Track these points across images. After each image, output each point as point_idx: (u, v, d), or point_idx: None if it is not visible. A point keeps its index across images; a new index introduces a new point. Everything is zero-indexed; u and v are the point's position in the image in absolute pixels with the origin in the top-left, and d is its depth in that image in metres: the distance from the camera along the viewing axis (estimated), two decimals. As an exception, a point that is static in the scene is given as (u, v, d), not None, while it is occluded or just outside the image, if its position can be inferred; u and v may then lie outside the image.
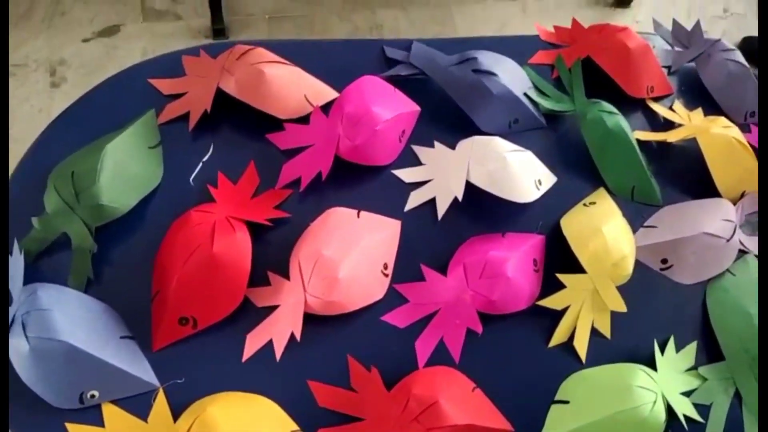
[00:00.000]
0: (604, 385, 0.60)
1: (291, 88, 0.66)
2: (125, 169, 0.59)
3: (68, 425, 0.51)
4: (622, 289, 0.65)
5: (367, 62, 0.75)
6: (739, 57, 0.80)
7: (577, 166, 0.74)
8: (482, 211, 0.69)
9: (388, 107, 0.65)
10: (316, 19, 1.34)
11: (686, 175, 0.76)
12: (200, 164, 0.64)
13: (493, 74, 0.70)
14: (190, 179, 0.63)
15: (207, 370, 0.56)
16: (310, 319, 0.57)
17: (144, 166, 0.61)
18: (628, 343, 0.65)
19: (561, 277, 0.63)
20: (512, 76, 0.72)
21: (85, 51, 1.25)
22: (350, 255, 0.58)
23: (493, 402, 0.60)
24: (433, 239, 0.66)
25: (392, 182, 0.68)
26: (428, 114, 0.73)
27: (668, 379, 0.62)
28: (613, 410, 0.57)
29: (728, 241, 0.67)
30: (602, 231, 0.63)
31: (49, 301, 0.50)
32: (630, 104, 0.79)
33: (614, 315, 0.65)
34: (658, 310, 0.68)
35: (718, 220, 0.68)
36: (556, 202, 0.71)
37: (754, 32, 1.69)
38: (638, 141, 0.75)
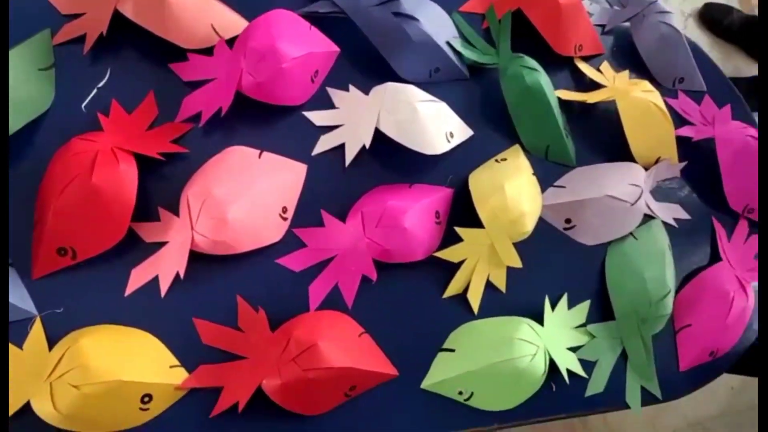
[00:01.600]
0: (489, 335, 0.61)
1: (196, 15, 0.62)
2: (12, 87, 0.55)
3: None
4: (524, 246, 0.66)
5: (288, -4, 0.71)
6: (673, 20, 0.79)
7: (496, 122, 0.73)
8: (393, 160, 0.68)
9: (299, 45, 0.62)
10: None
11: (605, 137, 0.76)
12: (95, 90, 0.61)
13: (415, 19, 0.67)
14: (82, 105, 0.60)
15: (89, 302, 0.55)
16: (202, 258, 0.56)
17: (32, 88, 0.58)
18: (522, 299, 0.67)
19: (459, 230, 0.63)
20: (436, 23, 0.70)
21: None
22: (243, 196, 0.56)
23: (383, 348, 0.61)
24: (340, 186, 0.65)
25: (303, 124, 0.66)
26: (348, 56, 0.70)
27: (554, 335, 0.64)
28: (494, 360, 0.59)
29: (632, 205, 0.68)
30: (504, 188, 0.63)
31: None
32: (559, 61, 0.78)
33: (512, 270, 0.66)
34: (557, 269, 0.70)
35: (625, 183, 0.69)
36: (470, 156, 0.70)
37: (718, -1, 1.67)
38: (560, 100, 0.75)
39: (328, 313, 0.59)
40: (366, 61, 0.70)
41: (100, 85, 0.61)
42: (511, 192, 0.63)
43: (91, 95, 0.61)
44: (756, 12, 1.70)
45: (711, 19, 1.59)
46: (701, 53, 0.86)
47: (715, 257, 0.75)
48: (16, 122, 0.56)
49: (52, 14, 0.63)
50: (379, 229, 0.59)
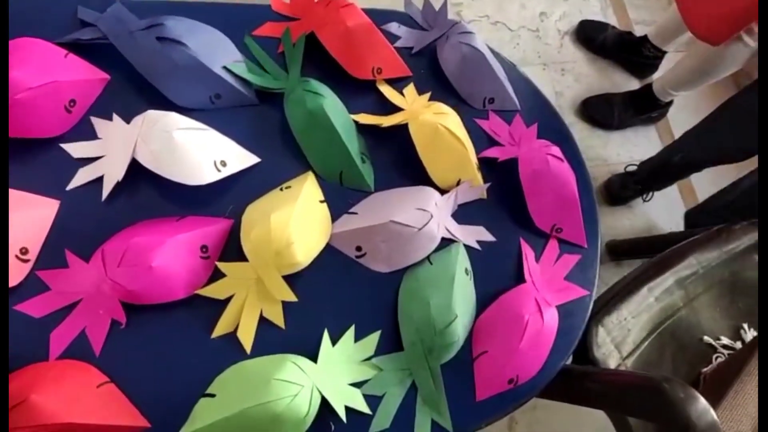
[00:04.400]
0: (249, 377, 0.57)
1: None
2: None
3: None
4: (313, 276, 0.64)
5: (57, 21, 0.67)
6: (476, 41, 0.78)
7: (290, 148, 0.71)
8: (165, 191, 0.64)
9: (44, 74, 0.59)
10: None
11: (406, 160, 0.74)
12: None
13: (181, 44, 0.64)
14: None
15: None
16: None
17: None
18: (305, 333, 0.63)
19: (220, 265, 0.59)
20: (210, 47, 0.67)
21: None
22: (-43, 239, 0.52)
23: (135, 396, 0.57)
24: (101, 222, 0.61)
25: (61, 157, 0.62)
26: (125, 83, 0.67)
27: (331, 371, 0.61)
28: (247, 404, 0.55)
29: (419, 230, 0.66)
30: (270, 217, 0.60)
31: None
32: (364, 85, 0.76)
33: (296, 304, 0.63)
34: (350, 299, 0.67)
35: (412, 209, 0.66)
36: (257, 184, 0.67)
37: (595, 16, 1.71)
38: (360, 124, 0.73)
39: (62, 363, 0.54)
40: (142, 89, 0.67)
41: None
42: (277, 221, 0.60)
43: None
44: (632, 28, 1.75)
45: (585, 36, 1.63)
46: (516, 72, 0.86)
47: (522, 279, 0.74)
48: None
49: None
50: (121, 269, 0.55)
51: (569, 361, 0.76)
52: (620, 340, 0.80)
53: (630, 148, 1.57)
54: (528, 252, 0.75)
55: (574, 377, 0.78)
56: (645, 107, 1.53)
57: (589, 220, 0.79)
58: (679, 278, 0.93)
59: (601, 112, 1.54)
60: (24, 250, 0.57)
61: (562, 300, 0.74)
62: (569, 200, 0.75)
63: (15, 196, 0.58)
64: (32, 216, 0.58)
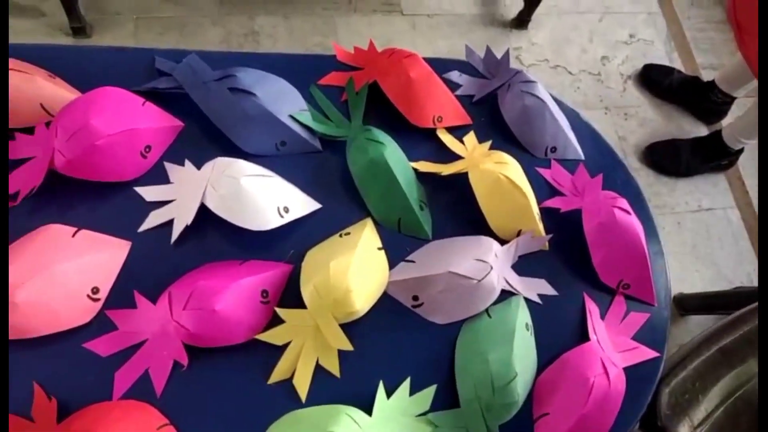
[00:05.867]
0: (303, 428, 0.57)
1: (21, 96, 0.62)
2: None
3: None
4: (368, 325, 0.63)
5: (137, 71, 0.72)
6: (539, 90, 0.77)
7: (350, 194, 0.72)
8: (230, 236, 0.66)
9: (122, 121, 0.62)
10: (187, 21, 1.30)
11: (466, 209, 0.73)
12: None
13: (252, 94, 0.66)
14: None
15: None
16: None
17: None
18: (360, 383, 0.62)
19: (279, 311, 0.60)
20: (278, 97, 0.69)
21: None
22: (37, 277, 0.54)
23: (193, 442, 0.57)
24: (169, 264, 0.63)
25: (134, 200, 0.65)
26: (196, 130, 0.70)
27: (385, 425, 0.59)
28: (301, 457, 0.54)
29: (479, 282, 0.64)
30: (329, 265, 0.60)
31: None
32: (423, 133, 0.77)
33: (351, 353, 0.62)
34: (405, 350, 0.66)
35: (470, 259, 0.65)
36: (317, 230, 0.68)
37: (659, 60, 1.67)
38: (420, 172, 0.73)
39: (125, 404, 0.56)
40: (213, 136, 0.70)
41: None
42: (336, 269, 0.60)
43: None
44: (699, 73, 1.70)
45: (650, 80, 1.59)
46: (579, 119, 0.84)
47: (586, 337, 0.70)
48: None
49: None
50: (186, 312, 0.56)
51: (636, 428, 0.71)
52: (691, 407, 0.75)
53: (699, 196, 1.50)
54: (593, 308, 0.72)
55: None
56: (714, 155, 1.47)
57: (658, 275, 0.75)
58: (754, 340, 0.86)
59: (669, 158, 1.49)
60: (95, 290, 0.59)
61: (630, 362, 0.70)
62: (638, 255, 0.72)
63: (89, 237, 0.61)
64: (105, 257, 0.61)
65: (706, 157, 1.48)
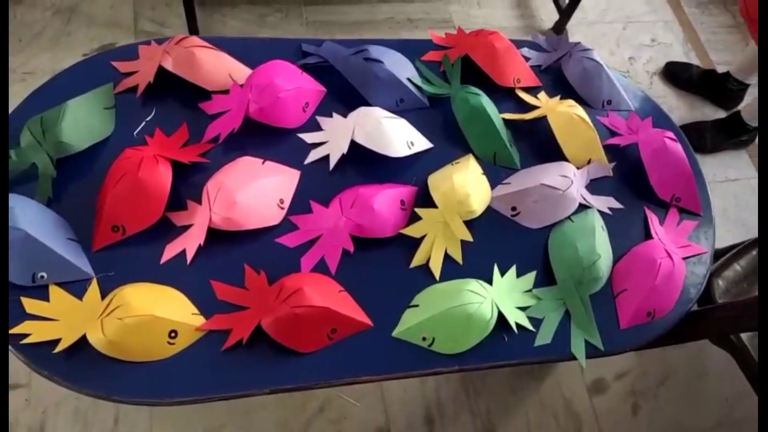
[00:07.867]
0: (445, 291, 0.76)
1: (217, 67, 0.85)
2: (83, 119, 0.77)
3: (23, 299, 0.67)
4: (478, 228, 0.82)
5: (287, 54, 0.94)
6: (595, 55, 0.98)
7: (452, 139, 0.92)
8: (368, 167, 0.86)
9: (292, 82, 0.84)
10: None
11: (544, 146, 0.93)
12: (143, 122, 0.83)
13: (380, 62, 0.88)
14: (134, 133, 0.82)
15: (133, 268, 0.72)
16: (222, 236, 0.74)
17: (98, 120, 0.80)
18: (477, 268, 0.81)
19: (418, 210, 0.80)
20: (398, 65, 0.91)
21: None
22: (248, 186, 0.75)
23: (359, 305, 0.76)
24: (326, 186, 0.83)
25: (298, 143, 0.86)
26: (334, 94, 0.92)
27: (503, 293, 0.78)
28: (447, 306, 0.73)
29: (564, 192, 0.83)
30: (452, 178, 0.80)
31: (13, 203, 0.67)
32: (504, 93, 0.98)
33: (468, 246, 0.81)
34: (508, 247, 0.84)
35: (556, 175, 0.85)
36: (431, 163, 0.89)
37: (679, 58, 1.89)
38: (505, 120, 0.93)
39: (314, 274, 0.75)
40: (347, 97, 0.91)
41: (148, 119, 0.83)
42: (458, 180, 0.80)
43: (141, 126, 0.82)
44: (714, 67, 1.90)
45: (672, 74, 1.80)
46: (626, 80, 1.05)
47: (648, 239, 0.88)
48: (84, 141, 0.77)
49: (114, 73, 0.87)
50: (353, 209, 0.77)
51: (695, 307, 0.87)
52: (741, 295, 0.91)
53: (724, 169, 1.68)
54: (653, 217, 0.90)
55: (706, 313, 0.88)
56: (735, 132, 1.66)
57: (702, 191, 0.93)
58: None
59: (694, 137, 1.68)
60: (282, 201, 0.79)
61: (686, 254, 0.87)
62: (685, 174, 0.90)
63: (273, 165, 0.82)
64: (285, 179, 0.81)
65: (728, 134, 1.67)
